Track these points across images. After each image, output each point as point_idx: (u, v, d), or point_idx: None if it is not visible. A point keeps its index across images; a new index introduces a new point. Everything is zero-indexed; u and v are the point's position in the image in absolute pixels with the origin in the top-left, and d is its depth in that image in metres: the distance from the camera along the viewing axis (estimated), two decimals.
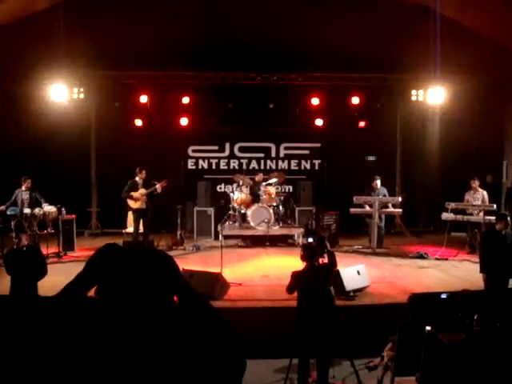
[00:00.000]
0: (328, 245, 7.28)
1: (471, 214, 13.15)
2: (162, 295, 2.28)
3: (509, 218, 8.99)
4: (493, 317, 5.14)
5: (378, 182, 14.24)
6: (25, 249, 8.45)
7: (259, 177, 15.43)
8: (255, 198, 14.89)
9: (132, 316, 2.27)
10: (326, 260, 7.03)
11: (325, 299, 6.75)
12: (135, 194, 13.04)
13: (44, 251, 11.14)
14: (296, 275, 6.88)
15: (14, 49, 13.23)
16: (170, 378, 2.29)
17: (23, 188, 12.84)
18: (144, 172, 13.22)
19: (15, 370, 3.13)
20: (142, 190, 13.07)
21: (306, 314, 6.69)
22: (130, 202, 13.16)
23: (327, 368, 6.67)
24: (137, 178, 13.19)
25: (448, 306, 6.45)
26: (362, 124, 16.60)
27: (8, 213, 12.45)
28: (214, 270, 9.91)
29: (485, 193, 13.39)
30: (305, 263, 6.88)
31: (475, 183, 13.44)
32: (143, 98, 15.81)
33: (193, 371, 2.30)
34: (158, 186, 12.98)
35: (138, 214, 13.20)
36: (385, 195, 14.24)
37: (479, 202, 13.23)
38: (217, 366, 2.37)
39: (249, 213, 14.46)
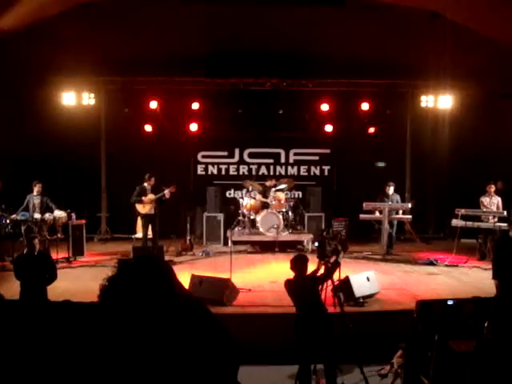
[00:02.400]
0: (340, 256, 7.24)
1: (483, 221, 13.06)
2: (155, 300, 2.30)
3: None
4: (505, 324, 5.10)
5: (392, 189, 14.23)
6: (35, 254, 8.49)
7: (271, 182, 15.36)
8: (265, 203, 14.89)
9: (129, 319, 2.29)
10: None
11: (315, 308, 6.74)
12: (144, 199, 13.06)
13: (54, 256, 11.18)
14: (286, 284, 6.91)
15: (24, 55, 13.31)
16: (165, 377, 2.30)
17: (34, 193, 12.90)
18: (153, 179, 13.25)
19: (24, 372, 3.13)
20: (151, 196, 13.10)
21: (300, 321, 6.72)
22: (139, 208, 13.19)
23: (334, 375, 6.65)
24: (145, 184, 13.22)
25: (457, 313, 6.42)
26: (371, 130, 16.59)
27: (18, 218, 12.50)
28: (224, 275, 9.92)
29: (499, 199, 13.34)
30: (294, 273, 6.90)
31: (491, 188, 13.37)
32: (153, 104, 15.84)
33: (188, 371, 2.31)
34: (167, 192, 13.00)
35: (147, 219, 13.22)
36: (398, 202, 14.21)
37: (495, 208, 13.18)
38: (211, 366, 2.38)
39: (258, 218, 14.45)
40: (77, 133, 15.05)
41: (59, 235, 12.92)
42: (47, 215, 12.67)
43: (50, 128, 14.88)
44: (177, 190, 13.24)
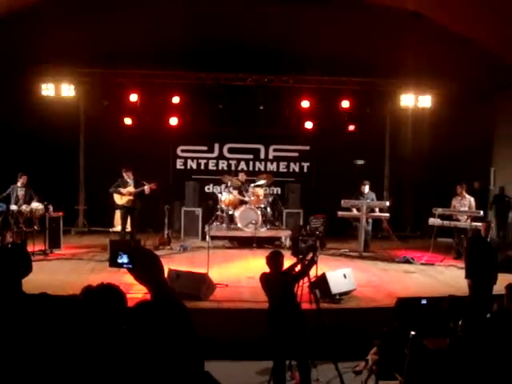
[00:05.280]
0: (317, 252, 7.28)
1: (458, 220, 13.20)
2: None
3: (492, 224, 9.05)
4: (477, 323, 5.17)
5: (367, 187, 14.29)
6: (9, 246, 8.41)
7: (241, 176, 15.38)
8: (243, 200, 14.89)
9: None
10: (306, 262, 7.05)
11: (288, 303, 6.76)
12: (123, 190, 12.97)
13: (30, 248, 11.09)
14: (261, 277, 6.92)
15: (3, 44, 13.13)
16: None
17: (19, 184, 12.75)
18: (130, 173, 13.13)
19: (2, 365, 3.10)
20: (131, 188, 13.01)
21: (272, 316, 6.75)
22: (116, 198, 13.08)
23: (308, 371, 6.68)
24: (125, 177, 13.14)
25: (432, 311, 6.49)
26: (351, 128, 16.61)
27: None
28: (201, 270, 9.91)
29: (472, 199, 13.43)
30: (269, 269, 6.92)
31: (460, 189, 13.48)
32: (133, 97, 15.71)
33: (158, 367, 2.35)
34: (147, 188, 12.88)
35: (125, 211, 13.13)
36: (373, 200, 14.28)
37: (466, 208, 13.28)
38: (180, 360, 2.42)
39: (236, 214, 14.44)
40: (55, 124, 14.86)
41: (36, 227, 12.80)
42: (24, 207, 12.54)
43: (27, 118, 14.71)
44: (158, 187, 13.14)
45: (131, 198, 13.03)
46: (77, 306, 2.63)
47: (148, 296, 2.74)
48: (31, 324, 3.47)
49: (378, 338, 6.74)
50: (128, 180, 13.12)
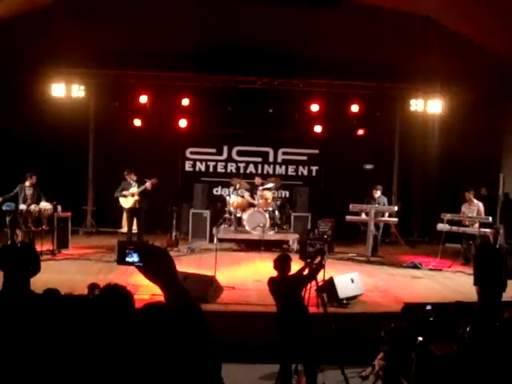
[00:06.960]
0: (325, 257, 7.28)
1: (467, 226, 13.13)
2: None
3: (501, 231, 9.00)
4: (485, 330, 5.14)
5: (379, 192, 14.26)
6: (19, 245, 8.44)
7: (257, 180, 15.40)
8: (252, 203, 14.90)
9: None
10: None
11: (296, 307, 6.75)
12: (126, 193, 13.03)
13: (38, 248, 11.11)
14: (269, 281, 6.92)
15: (14, 45, 13.20)
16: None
17: (27, 184, 12.75)
18: (133, 174, 13.20)
19: (6, 362, 3.11)
20: (134, 190, 13.06)
21: (280, 320, 6.74)
22: (122, 202, 13.17)
23: (314, 375, 6.67)
24: (128, 179, 13.19)
25: (439, 317, 6.46)
26: (360, 132, 16.60)
27: (3, 208, 12.39)
28: (208, 272, 9.90)
29: (480, 204, 13.34)
30: (277, 272, 6.91)
31: (468, 195, 13.40)
32: (143, 98, 15.79)
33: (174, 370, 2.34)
34: (148, 184, 12.96)
35: (131, 213, 13.20)
36: (384, 204, 14.25)
37: (474, 214, 13.21)
38: (197, 365, 2.40)
39: (244, 217, 14.45)
40: (65, 125, 14.93)
41: (44, 227, 12.83)
42: (33, 207, 12.57)
43: (38, 118, 14.76)
44: (158, 181, 13.14)
45: (136, 198, 13.08)
46: (83, 305, 2.64)
47: (156, 297, 2.74)
48: (37, 322, 3.48)
49: (385, 343, 6.72)
50: (131, 182, 13.18)
